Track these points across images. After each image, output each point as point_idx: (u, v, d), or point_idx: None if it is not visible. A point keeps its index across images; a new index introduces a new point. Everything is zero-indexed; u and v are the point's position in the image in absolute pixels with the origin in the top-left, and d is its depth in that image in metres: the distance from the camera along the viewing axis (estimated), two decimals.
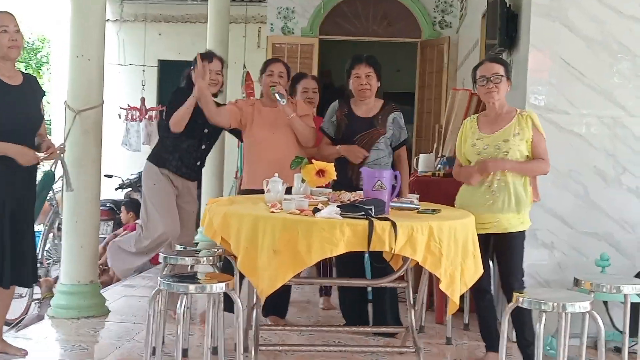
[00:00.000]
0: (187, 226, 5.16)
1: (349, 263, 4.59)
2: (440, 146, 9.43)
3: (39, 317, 5.73)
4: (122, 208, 8.54)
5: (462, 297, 4.13)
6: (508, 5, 5.19)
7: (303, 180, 4.13)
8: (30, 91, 4.12)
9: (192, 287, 3.39)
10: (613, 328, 4.50)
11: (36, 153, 4.09)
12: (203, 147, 5.07)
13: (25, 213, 4.11)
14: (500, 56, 5.49)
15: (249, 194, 4.69)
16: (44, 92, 4.31)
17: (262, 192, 4.13)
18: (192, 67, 4.95)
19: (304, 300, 5.81)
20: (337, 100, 4.85)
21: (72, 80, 4.99)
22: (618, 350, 4.25)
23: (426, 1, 10.50)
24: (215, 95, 4.97)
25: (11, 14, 4.03)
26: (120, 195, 10.03)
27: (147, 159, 5.19)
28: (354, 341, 4.68)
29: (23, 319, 6.43)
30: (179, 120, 4.78)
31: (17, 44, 3.99)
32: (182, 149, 5.00)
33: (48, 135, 4.36)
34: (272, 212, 3.54)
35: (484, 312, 4.21)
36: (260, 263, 3.38)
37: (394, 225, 3.33)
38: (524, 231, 4.07)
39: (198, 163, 5.12)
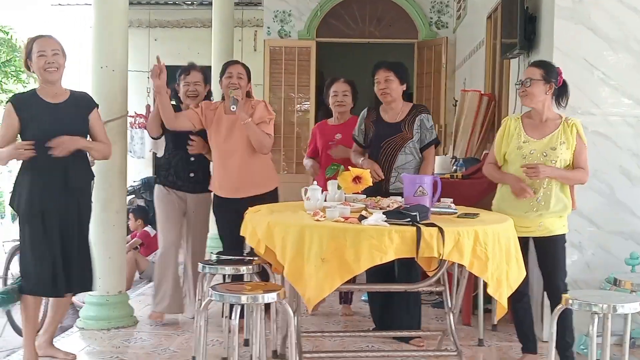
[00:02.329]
0: (196, 237, 5.29)
1: (378, 267, 4.60)
2: (443, 146, 9.53)
3: (60, 329, 5.67)
4: (130, 215, 8.48)
5: (490, 298, 4.19)
6: (526, 7, 5.23)
7: (339, 187, 4.16)
8: (73, 108, 4.27)
9: (244, 298, 3.39)
10: None
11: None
12: (192, 159, 5.15)
13: (70, 218, 4.22)
14: (517, 58, 5.57)
15: (217, 200, 4.97)
16: (96, 104, 4.45)
17: (227, 200, 4.80)
18: (177, 82, 5.21)
19: (325, 306, 5.77)
20: (367, 108, 4.88)
21: (96, 91, 4.95)
22: None
23: (422, 2, 10.53)
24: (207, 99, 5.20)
25: (51, 38, 4.24)
26: None
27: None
28: (387, 345, 4.70)
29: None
30: (149, 124, 5.09)
31: (54, 66, 4.17)
32: (174, 164, 5.20)
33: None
34: (317, 220, 3.56)
35: (521, 314, 4.24)
36: (307, 272, 3.38)
37: (441, 230, 3.36)
38: (565, 234, 4.12)
39: (192, 175, 5.18)
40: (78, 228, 4.26)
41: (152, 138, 5.24)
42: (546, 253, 4.13)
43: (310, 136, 5.85)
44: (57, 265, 4.14)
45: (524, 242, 4.03)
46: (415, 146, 4.71)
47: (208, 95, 5.33)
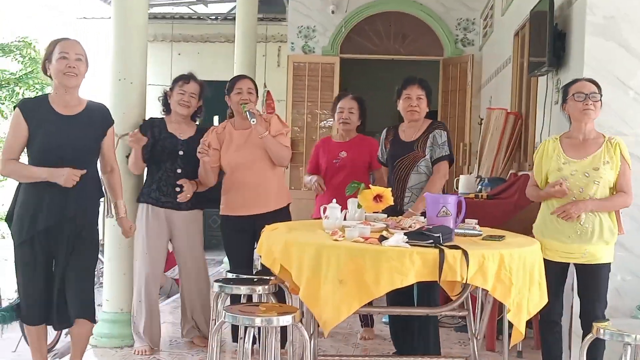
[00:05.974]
0: (191, 257, 4.97)
1: (400, 289, 4.44)
2: (467, 165, 9.37)
3: None
4: None
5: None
6: (555, 24, 5.09)
7: (359, 206, 4.02)
8: (86, 123, 3.91)
9: (258, 321, 3.26)
10: None
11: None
12: (179, 171, 4.82)
13: (67, 243, 3.85)
14: (545, 75, 5.42)
15: (228, 220, 4.78)
16: (112, 121, 4.10)
17: (241, 218, 4.64)
18: (172, 87, 5.01)
19: (344, 328, 5.57)
20: (386, 128, 4.75)
21: (113, 104, 4.86)
22: None
23: (448, 19, 10.40)
24: (195, 115, 5.01)
25: (76, 42, 3.89)
26: None
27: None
28: None
29: (54, 346, 6.26)
30: (132, 165, 4.83)
31: (75, 71, 3.81)
32: (158, 178, 4.86)
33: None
34: (335, 240, 3.42)
35: (552, 344, 4.07)
36: (324, 293, 3.24)
37: (465, 253, 3.21)
38: (610, 263, 3.95)
39: (178, 190, 4.79)
40: (77, 253, 3.87)
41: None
42: (588, 282, 3.94)
43: (312, 151, 5.53)
44: (50, 294, 3.82)
45: (561, 267, 3.86)
46: (428, 165, 4.53)
47: (198, 111, 5.00)
